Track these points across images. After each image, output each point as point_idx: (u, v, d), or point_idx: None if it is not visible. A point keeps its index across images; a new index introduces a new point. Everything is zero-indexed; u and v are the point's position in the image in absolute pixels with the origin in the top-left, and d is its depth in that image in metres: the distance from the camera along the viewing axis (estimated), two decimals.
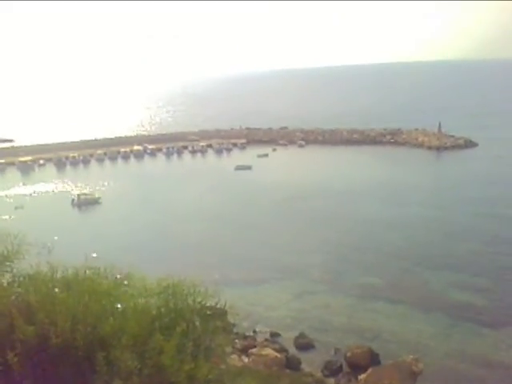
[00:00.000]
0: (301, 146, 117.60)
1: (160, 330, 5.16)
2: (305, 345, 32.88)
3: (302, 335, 33.67)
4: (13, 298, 5.11)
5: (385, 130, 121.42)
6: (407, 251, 48.76)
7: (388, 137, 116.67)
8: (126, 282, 5.91)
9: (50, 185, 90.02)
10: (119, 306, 5.40)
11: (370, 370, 26.82)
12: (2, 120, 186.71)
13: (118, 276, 5.97)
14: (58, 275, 5.62)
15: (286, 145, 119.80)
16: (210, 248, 52.00)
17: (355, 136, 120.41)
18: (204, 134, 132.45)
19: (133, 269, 6.32)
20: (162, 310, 5.61)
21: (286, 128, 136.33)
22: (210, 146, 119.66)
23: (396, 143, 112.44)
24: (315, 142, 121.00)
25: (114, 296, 5.51)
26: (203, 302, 5.88)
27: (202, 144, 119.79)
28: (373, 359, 29.91)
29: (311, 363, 30.91)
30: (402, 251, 48.67)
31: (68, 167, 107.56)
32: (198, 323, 5.65)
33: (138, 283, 5.93)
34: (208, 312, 5.97)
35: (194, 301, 5.78)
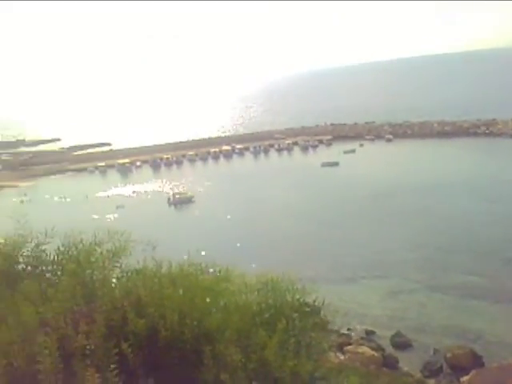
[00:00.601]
0: (389, 140, 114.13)
1: (261, 326, 5.22)
2: (402, 344, 31.93)
3: (398, 334, 32.73)
4: (123, 291, 5.37)
5: (478, 120, 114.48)
6: (507, 250, 45.65)
7: (483, 128, 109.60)
8: (225, 278, 6.04)
9: (146, 185, 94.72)
10: (221, 301, 5.53)
11: (473, 372, 25.52)
12: (100, 125, 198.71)
13: (219, 272, 6.12)
14: (163, 271, 5.85)
15: (372, 140, 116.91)
16: (298, 245, 52.04)
17: (446, 128, 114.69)
18: (289, 132, 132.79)
19: (231, 265, 6.46)
20: (263, 305, 5.66)
21: (372, 122, 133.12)
22: (295, 143, 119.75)
23: (491, 134, 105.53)
24: (404, 135, 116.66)
25: (216, 292, 5.64)
26: (301, 299, 5.87)
27: (287, 142, 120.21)
28: (475, 361, 28.44)
29: (409, 363, 29.98)
30: (502, 250, 45.64)
31: (163, 168, 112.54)
32: (297, 320, 5.65)
33: (237, 279, 6.04)
34: (306, 309, 5.95)
35: (292, 297, 5.79)
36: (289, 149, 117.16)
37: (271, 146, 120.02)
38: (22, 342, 4.53)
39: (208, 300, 5.36)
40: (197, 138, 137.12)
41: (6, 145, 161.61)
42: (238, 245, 52.78)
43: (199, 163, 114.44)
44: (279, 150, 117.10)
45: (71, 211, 70.72)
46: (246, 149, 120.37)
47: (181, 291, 5.24)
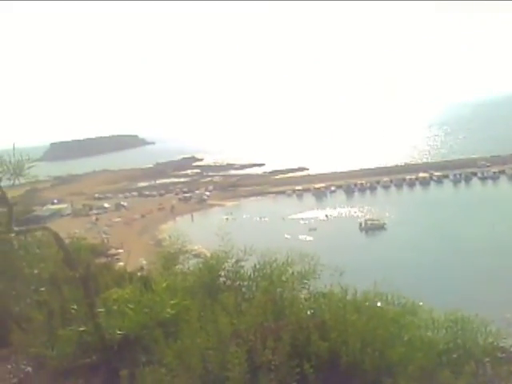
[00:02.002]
0: None
1: (447, 366, 4.98)
2: None
3: None
4: (309, 313, 5.63)
5: None
6: None
7: None
8: (412, 311, 5.90)
9: (339, 209, 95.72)
10: (406, 335, 5.42)
11: None
12: (300, 149, 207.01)
13: (404, 304, 5.99)
14: (349, 297, 5.95)
15: None
16: (497, 284, 46.90)
17: None
18: (496, 160, 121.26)
19: (418, 298, 6.27)
20: (450, 345, 5.38)
21: None
22: (502, 171, 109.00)
23: None
24: None
25: (401, 324, 5.55)
26: (495, 343, 5.45)
27: (493, 170, 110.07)
28: None
29: None
30: None
31: (356, 193, 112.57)
32: (488, 365, 5.25)
33: (424, 314, 5.85)
34: (500, 354, 5.49)
35: (484, 340, 5.40)
36: (494, 178, 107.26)
37: (474, 174, 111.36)
38: (217, 349, 5.06)
39: (392, 332, 5.30)
40: (390, 165, 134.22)
41: (219, 168, 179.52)
42: (430, 277, 49.82)
43: (393, 190, 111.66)
44: (483, 179, 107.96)
45: (267, 230, 74.95)
46: (445, 176, 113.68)
47: (364, 319, 5.29)
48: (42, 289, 5.80)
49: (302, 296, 6.25)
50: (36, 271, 5.44)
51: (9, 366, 5.74)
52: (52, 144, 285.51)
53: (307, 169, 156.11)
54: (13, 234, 5.32)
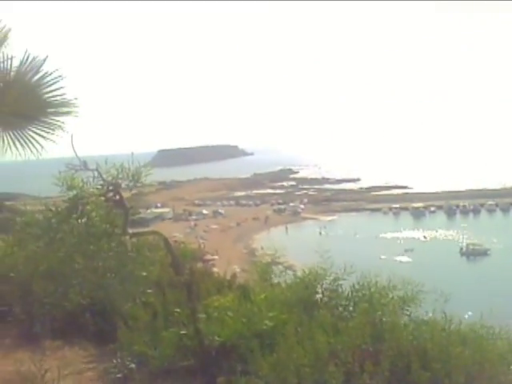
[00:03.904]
0: None
1: None
2: None
3: None
4: (410, 340, 5.42)
5: None
6: None
7: None
8: None
9: (439, 231, 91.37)
10: None
11: None
12: (398, 166, 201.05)
13: None
14: (453, 327, 5.67)
15: None
16: None
17: None
18: None
19: None
20: None
21: None
22: None
23: None
24: None
25: (509, 361, 5.22)
26: None
27: None
28: None
29: None
30: None
31: (457, 215, 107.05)
32: None
33: None
34: None
35: None
36: None
37: None
38: (313, 367, 5.03)
39: (498, 369, 4.99)
40: (497, 187, 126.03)
41: (314, 181, 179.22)
42: None
43: (499, 214, 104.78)
44: None
45: (361, 248, 73.17)
46: None
47: (470, 352, 5.02)
48: (149, 290, 6.13)
49: (402, 321, 6.06)
50: (145, 273, 5.76)
51: (114, 361, 6.11)
52: (159, 151, 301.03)
53: (406, 187, 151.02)
54: (127, 237, 5.69)
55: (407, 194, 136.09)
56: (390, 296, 6.03)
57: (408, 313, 6.09)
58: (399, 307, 6.15)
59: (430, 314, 6.17)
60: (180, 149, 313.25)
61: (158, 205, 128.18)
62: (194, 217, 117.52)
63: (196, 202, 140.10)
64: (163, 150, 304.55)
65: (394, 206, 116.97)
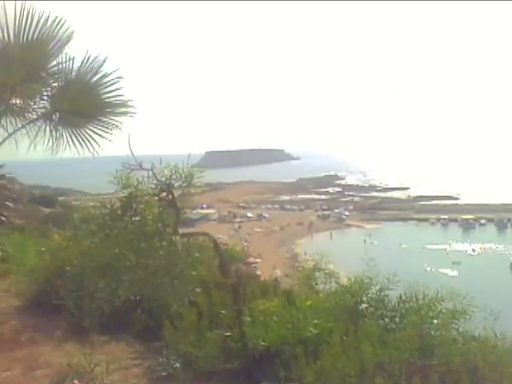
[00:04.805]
0: None
1: None
2: None
3: None
4: (459, 356, 5.26)
5: None
6: None
7: None
8: None
9: (488, 245, 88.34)
10: None
11: None
12: (448, 175, 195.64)
13: None
14: (506, 346, 5.47)
15: None
16: None
17: None
18: None
19: None
20: None
21: None
22: None
23: None
24: None
25: None
26: None
27: None
28: None
29: None
30: None
31: (509, 229, 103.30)
32: None
33: None
34: None
35: None
36: None
37: None
38: (359, 378, 4.95)
39: None
40: None
41: (360, 189, 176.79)
42: None
43: None
44: None
45: (406, 258, 71.61)
46: None
47: None
48: (198, 290, 6.21)
49: (451, 336, 5.89)
50: (194, 273, 5.85)
51: (160, 359, 6.21)
52: (207, 153, 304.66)
53: (457, 198, 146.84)
54: (178, 236, 5.79)
55: (457, 204, 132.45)
56: (439, 309, 5.87)
57: (456, 327, 5.90)
58: (448, 321, 5.98)
59: (479, 331, 5.98)
60: (227, 151, 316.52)
61: (204, 206, 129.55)
62: (238, 219, 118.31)
63: (241, 204, 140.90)
64: (211, 152, 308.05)
65: (443, 216, 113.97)
